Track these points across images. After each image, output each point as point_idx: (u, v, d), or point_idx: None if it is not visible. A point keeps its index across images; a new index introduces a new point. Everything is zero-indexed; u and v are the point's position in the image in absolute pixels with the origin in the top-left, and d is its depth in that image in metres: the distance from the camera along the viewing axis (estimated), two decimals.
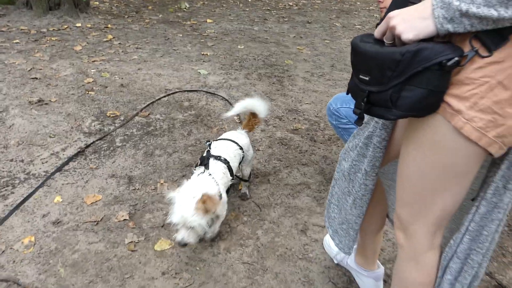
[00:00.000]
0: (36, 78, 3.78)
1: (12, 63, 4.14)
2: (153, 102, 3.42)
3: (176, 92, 3.65)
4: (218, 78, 4.07)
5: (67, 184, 2.39)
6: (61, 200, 2.26)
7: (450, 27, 0.84)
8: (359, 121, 1.07)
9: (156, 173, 2.54)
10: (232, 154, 2.09)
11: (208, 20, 6.53)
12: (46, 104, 3.30)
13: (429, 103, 0.93)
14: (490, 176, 1.11)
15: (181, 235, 1.66)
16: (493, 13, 0.78)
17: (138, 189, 2.39)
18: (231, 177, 2.04)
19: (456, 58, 0.86)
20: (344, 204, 1.51)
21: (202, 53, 4.85)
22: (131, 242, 2.01)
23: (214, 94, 3.66)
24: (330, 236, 1.63)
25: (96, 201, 2.27)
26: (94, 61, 4.35)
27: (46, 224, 2.10)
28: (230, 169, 2.03)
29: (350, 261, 1.87)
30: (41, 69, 4.02)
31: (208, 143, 2.11)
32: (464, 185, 1.06)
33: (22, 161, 2.58)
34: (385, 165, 1.42)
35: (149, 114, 3.24)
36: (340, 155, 1.50)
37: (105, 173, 2.51)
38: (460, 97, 0.92)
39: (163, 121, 3.15)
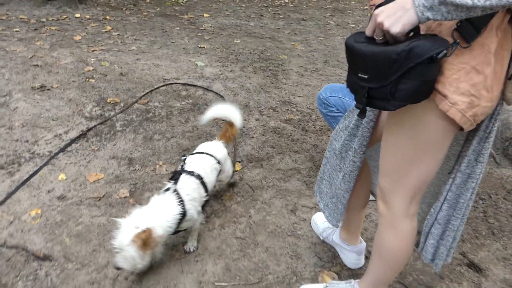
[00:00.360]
0: (38, 65, 3.89)
1: (13, 50, 4.23)
2: (152, 90, 3.55)
3: (173, 83, 3.78)
4: (214, 70, 4.21)
5: (70, 163, 2.52)
6: (65, 177, 2.39)
7: (430, 14, 0.96)
8: (361, 114, 1.18)
9: (155, 156, 2.67)
10: (208, 169, 2.02)
11: (205, 15, 6.65)
12: (48, 89, 3.42)
13: (423, 91, 1.06)
14: (463, 151, 1.28)
15: (117, 259, 1.60)
16: (467, 1, 0.91)
17: (138, 169, 2.53)
18: (205, 193, 1.96)
19: (445, 51, 0.99)
20: (335, 179, 1.66)
21: (199, 46, 4.98)
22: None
23: (207, 89, 3.79)
24: (321, 209, 1.79)
25: (98, 179, 2.40)
26: (94, 50, 4.46)
27: (51, 198, 2.23)
28: (204, 184, 1.95)
29: (335, 237, 2.03)
30: (42, 57, 4.12)
31: (183, 157, 2.05)
32: (437, 157, 1.22)
33: (27, 141, 2.70)
34: (372, 147, 1.58)
35: (148, 102, 3.37)
36: (332, 136, 1.66)
37: (106, 155, 2.64)
38: (444, 82, 1.07)
39: (162, 109, 3.29)
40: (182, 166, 1.99)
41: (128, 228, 1.57)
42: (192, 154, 2.10)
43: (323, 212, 1.79)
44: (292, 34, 5.94)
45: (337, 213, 1.71)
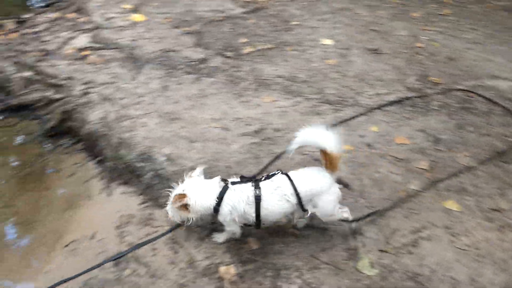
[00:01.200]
0: (375, 31, 4.31)
1: (358, 13, 4.81)
2: (477, 94, 3.24)
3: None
4: None
5: (383, 121, 2.79)
6: (376, 130, 2.68)
7: None
8: None
9: (462, 145, 2.59)
10: (277, 196, 1.77)
11: None
12: (379, 54, 3.77)
13: None
14: None
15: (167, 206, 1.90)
16: None
17: (443, 151, 2.53)
18: (253, 215, 1.78)
19: None
20: None
21: None
22: (417, 189, 2.23)
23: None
24: None
25: (403, 143, 2.57)
26: (427, 29, 4.51)
27: (361, 143, 2.57)
28: (258, 206, 1.76)
29: None
30: (380, 24, 4.52)
31: (277, 171, 1.85)
32: None
33: (354, 90, 3.14)
34: None
35: (471, 93, 3.21)
36: None
37: (416, 126, 2.76)
38: None
39: (484, 104, 3.07)
40: (267, 175, 1.85)
41: (179, 188, 1.83)
42: (283, 173, 1.83)
43: None
44: None
45: None
